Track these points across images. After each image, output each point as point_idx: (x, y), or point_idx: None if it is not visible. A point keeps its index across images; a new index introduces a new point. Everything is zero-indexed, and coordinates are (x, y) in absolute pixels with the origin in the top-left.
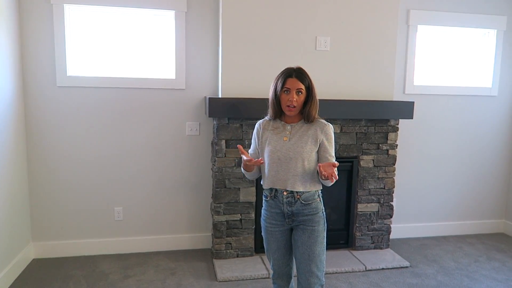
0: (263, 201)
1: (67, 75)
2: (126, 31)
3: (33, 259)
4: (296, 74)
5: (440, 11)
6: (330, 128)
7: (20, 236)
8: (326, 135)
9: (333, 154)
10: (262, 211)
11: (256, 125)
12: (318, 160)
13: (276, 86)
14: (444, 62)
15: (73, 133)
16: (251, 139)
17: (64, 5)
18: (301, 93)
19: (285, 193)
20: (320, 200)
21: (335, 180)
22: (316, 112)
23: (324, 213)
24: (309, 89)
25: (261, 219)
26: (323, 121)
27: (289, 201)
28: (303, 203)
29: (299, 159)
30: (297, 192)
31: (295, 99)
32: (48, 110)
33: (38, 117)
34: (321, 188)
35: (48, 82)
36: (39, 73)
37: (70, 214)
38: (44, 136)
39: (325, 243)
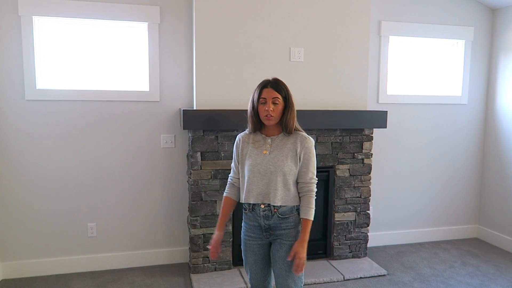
0: (243, 213)
1: (37, 88)
2: (98, 43)
3: (1, 280)
4: (271, 84)
5: (410, 22)
6: (311, 142)
7: None
8: (305, 149)
9: (313, 170)
10: (242, 223)
11: (236, 139)
12: (297, 175)
13: (253, 99)
14: (416, 71)
15: (43, 148)
16: (226, 151)
17: (33, 17)
18: (278, 102)
19: (262, 206)
20: (298, 214)
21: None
22: (294, 123)
23: None
24: (286, 99)
25: (241, 232)
26: (304, 134)
27: (266, 214)
28: (280, 217)
29: (279, 172)
30: (274, 205)
31: (271, 109)
32: (17, 124)
33: (6, 132)
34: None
35: (16, 96)
36: (7, 86)
37: (40, 231)
38: (12, 151)
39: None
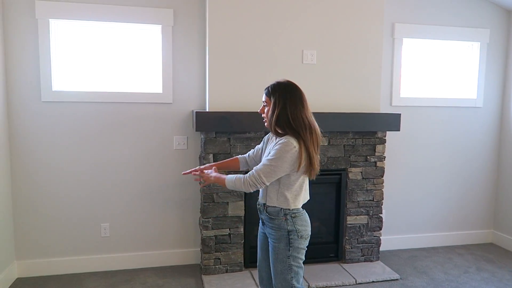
0: None
1: (52, 90)
2: (113, 45)
3: (17, 278)
4: (266, 88)
5: (424, 24)
6: (285, 145)
7: (3, 254)
8: (274, 145)
9: (267, 166)
10: None
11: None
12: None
13: None
14: (430, 74)
15: (59, 149)
16: (238, 153)
17: (50, 20)
18: (266, 105)
19: (259, 199)
20: (285, 219)
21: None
22: (272, 124)
23: (293, 234)
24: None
25: None
26: (286, 139)
27: (259, 208)
28: (267, 215)
29: None
30: (263, 203)
31: (259, 111)
32: (33, 125)
33: (23, 133)
34: (293, 208)
35: (32, 97)
36: (23, 88)
37: (55, 231)
38: (29, 152)
39: (291, 263)
